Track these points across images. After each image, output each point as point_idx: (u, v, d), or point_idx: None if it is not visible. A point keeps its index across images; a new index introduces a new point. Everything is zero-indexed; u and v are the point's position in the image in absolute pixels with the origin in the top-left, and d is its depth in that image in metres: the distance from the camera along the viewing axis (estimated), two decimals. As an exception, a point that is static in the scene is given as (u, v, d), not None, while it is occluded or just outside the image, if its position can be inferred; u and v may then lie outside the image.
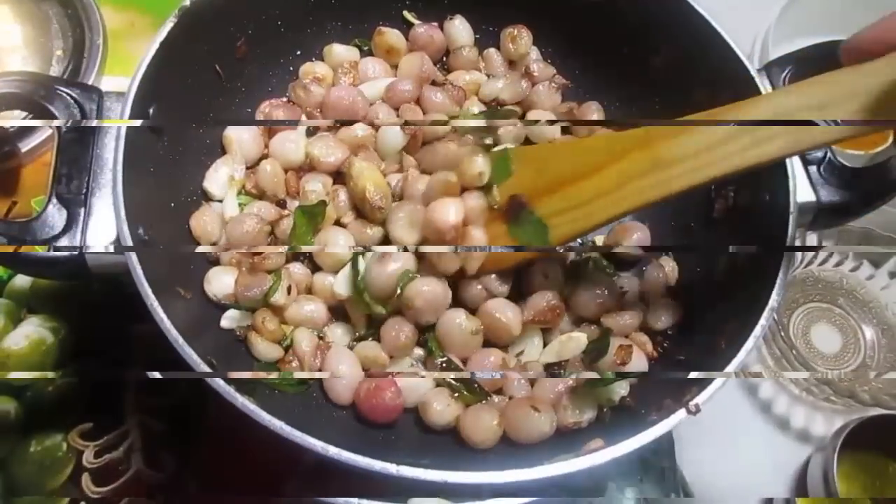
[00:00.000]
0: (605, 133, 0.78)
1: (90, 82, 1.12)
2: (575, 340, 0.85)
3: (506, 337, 0.83)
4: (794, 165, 0.78)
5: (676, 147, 0.69)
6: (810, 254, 1.16)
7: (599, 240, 0.95)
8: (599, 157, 0.75)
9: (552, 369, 0.84)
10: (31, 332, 0.97)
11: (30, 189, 1.06)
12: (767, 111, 0.65)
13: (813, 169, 0.80)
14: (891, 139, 1.19)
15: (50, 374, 0.96)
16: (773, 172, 0.79)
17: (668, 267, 0.91)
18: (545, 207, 0.79)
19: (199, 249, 0.85)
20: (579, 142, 0.82)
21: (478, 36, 1.05)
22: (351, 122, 0.93)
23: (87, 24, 1.17)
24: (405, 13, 1.05)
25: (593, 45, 0.98)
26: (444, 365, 0.82)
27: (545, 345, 0.87)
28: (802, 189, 0.78)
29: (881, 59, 0.58)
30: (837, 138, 0.63)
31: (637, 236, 0.92)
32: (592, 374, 0.79)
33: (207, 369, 0.65)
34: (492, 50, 1.04)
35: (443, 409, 0.79)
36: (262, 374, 0.79)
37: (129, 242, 0.69)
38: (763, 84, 0.82)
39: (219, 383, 0.65)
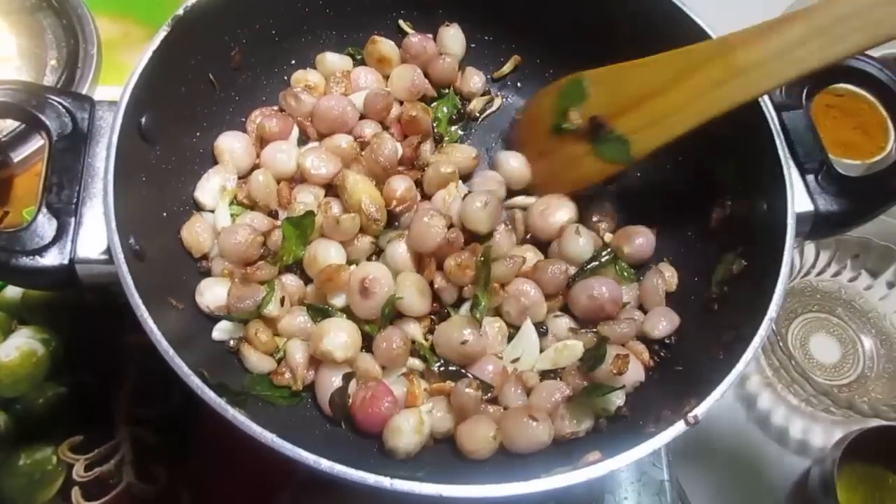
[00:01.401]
0: (677, 50, 0.80)
1: (84, 92, 1.12)
2: (571, 348, 0.84)
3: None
4: (793, 175, 0.78)
5: (755, 52, 0.74)
6: (808, 263, 1.16)
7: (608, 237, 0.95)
8: (673, 72, 0.80)
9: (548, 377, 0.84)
10: (22, 344, 0.95)
11: (21, 198, 1.05)
12: (844, 8, 0.69)
13: (811, 178, 0.79)
14: (887, 149, 1.20)
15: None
16: (771, 182, 0.78)
17: (668, 273, 0.91)
18: (624, 125, 0.85)
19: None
20: (652, 60, 0.83)
21: (473, 45, 1.06)
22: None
23: (81, 35, 1.17)
24: (400, 22, 1.05)
25: (590, 57, 0.97)
26: (441, 371, 0.82)
27: (541, 350, 0.86)
28: (800, 198, 0.78)
29: None
30: None
31: (640, 240, 0.92)
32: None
33: (198, 381, 0.64)
34: (469, 69, 1.05)
35: (442, 415, 0.79)
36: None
37: (120, 253, 0.68)
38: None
39: (210, 395, 0.64)
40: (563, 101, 0.90)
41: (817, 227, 0.79)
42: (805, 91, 0.83)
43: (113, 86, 1.15)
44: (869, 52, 0.82)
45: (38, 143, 1.07)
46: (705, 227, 0.89)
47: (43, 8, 1.19)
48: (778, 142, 0.79)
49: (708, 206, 0.89)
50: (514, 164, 0.96)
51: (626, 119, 0.85)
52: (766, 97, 0.81)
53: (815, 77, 0.82)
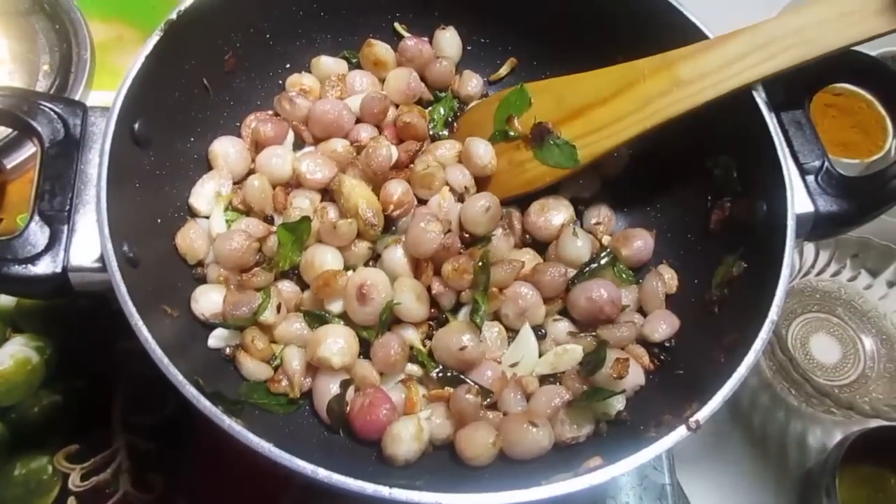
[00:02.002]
0: (622, 64, 0.85)
1: (77, 97, 1.11)
2: (570, 352, 0.84)
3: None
4: (792, 175, 0.77)
5: (698, 65, 0.79)
6: (808, 263, 1.15)
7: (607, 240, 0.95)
8: (618, 83, 0.84)
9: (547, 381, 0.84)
10: (17, 352, 0.95)
11: (15, 205, 1.05)
12: (777, 29, 0.76)
13: (811, 179, 0.79)
14: (885, 148, 1.19)
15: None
16: (771, 183, 0.78)
17: (668, 275, 0.90)
18: (570, 131, 0.87)
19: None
20: (597, 72, 0.87)
21: (469, 47, 1.05)
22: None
23: (74, 39, 1.16)
24: (396, 25, 1.04)
25: (587, 58, 0.93)
26: (440, 377, 0.81)
27: (540, 355, 0.85)
28: (800, 199, 0.77)
29: None
30: (845, 44, 0.74)
31: (639, 243, 0.92)
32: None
33: (194, 390, 0.63)
34: (467, 72, 1.04)
35: (441, 422, 0.79)
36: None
37: (114, 260, 0.67)
38: (759, 94, 0.80)
39: (205, 404, 0.63)
40: (505, 110, 0.93)
41: (817, 227, 0.78)
42: (804, 91, 0.83)
43: (106, 90, 1.14)
44: (866, 51, 0.82)
45: (30, 149, 1.06)
46: (705, 228, 0.88)
47: (36, 12, 1.18)
48: (777, 142, 0.78)
49: (707, 208, 0.88)
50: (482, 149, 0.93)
51: (572, 126, 0.87)
52: (764, 97, 0.81)
53: (815, 76, 0.82)
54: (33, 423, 0.92)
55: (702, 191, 0.90)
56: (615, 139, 0.85)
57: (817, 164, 0.79)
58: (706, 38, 0.83)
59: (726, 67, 0.78)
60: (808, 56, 0.76)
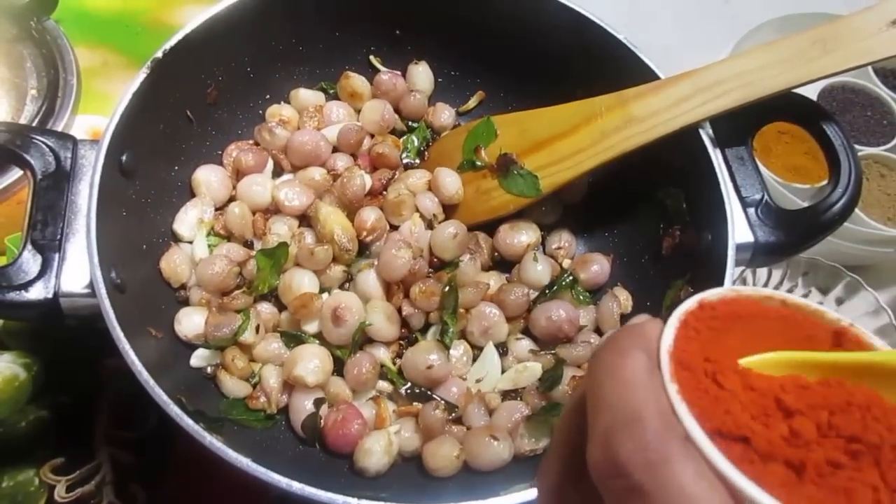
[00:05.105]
0: (581, 100, 0.91)
1: (64, 121, 1.14)
2: (530, 370, 0.89)
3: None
4: (734, 207, 0.83)
5: (648, 104, 0.85)
6: (762, 282, 1.21)
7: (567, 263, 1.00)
8: (577, 118, 0.90)
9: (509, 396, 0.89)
10: (4, 369, 0.97)
11: (3, 227, 1.07)
12: (721, 73, 0.82)
13: (751, 211, 0.85)
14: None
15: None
16: (715, 214, 0.84)
17: (623, 297, 0.96)
18: (533, 162, 0.93)
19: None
20: (558, 107, 0.92)
21: (440, 80, 1.11)
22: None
23: (61, 65, 1.19)
24: (371, 58, 1.10)
25: (547, 92, 0.99)
26: (408, 393, 0.87)
27: (502, 372, 0.91)
28: (741, 230, 0.83)
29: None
30: (783, 88, 0.80)
31: (595, 267, 0.97)
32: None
33: (177, 409, 0.68)
34: (440, 104, 1.10)
35: (410, 435, 0.84)
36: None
37: (102, 287, 0.71)
38: (706, 131, 0.87)
39: (188, 422, 0.67)
40: (473, 141, 0.99)
41: (757, 256, 0.84)
42: (748, 129, 0.89)
43: (92, 114, 1.18)
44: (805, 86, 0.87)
45: (17, 172, 1.08)
46: (658, 254, 0.94)
47: (24, 38, 1.21)
48: (720, 177, 0.84)
49: (660, 235, 0.94)
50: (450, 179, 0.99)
51: (535, 157, 0.93)
52: (710, 134, 0.87)
53: (757, 115, 0.88)
54: (20, 438, 0.95)
55: (655, 219, 0.96)
56: (574, 171, 0.91)
57: (758, 197, 0.85)
58: (658, 78, 0.89)
59: (675, 107, 0.84)
60: (748, 98, 0.82)
